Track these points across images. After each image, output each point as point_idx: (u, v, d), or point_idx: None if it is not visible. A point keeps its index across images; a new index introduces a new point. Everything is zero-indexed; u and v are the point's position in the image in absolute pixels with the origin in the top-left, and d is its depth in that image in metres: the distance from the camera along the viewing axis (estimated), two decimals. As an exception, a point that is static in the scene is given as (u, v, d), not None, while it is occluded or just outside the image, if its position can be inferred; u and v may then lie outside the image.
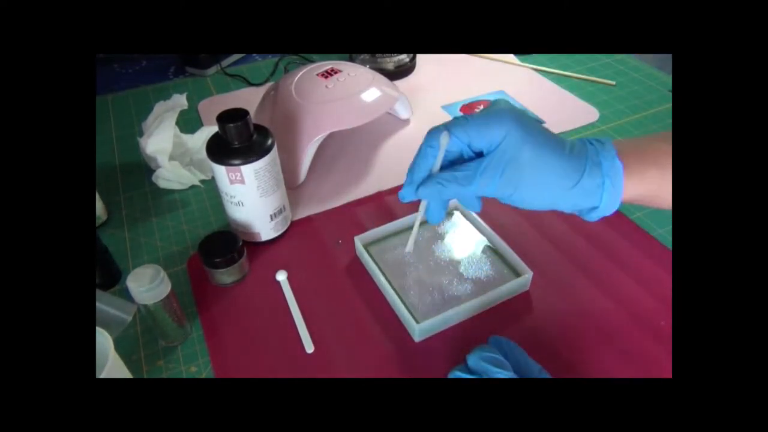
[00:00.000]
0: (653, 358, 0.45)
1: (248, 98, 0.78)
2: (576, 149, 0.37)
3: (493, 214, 0.59)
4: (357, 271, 0.54)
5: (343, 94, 0.63)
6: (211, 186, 0.66)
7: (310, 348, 0.47)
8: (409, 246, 0.44)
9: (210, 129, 0.69)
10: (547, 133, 0.37)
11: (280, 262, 0.55)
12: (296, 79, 0.65)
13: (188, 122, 0.77)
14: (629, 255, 0.54)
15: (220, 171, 0.51)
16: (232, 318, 0.50)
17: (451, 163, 0.39)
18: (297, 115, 0.62)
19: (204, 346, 0.48)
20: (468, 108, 0.77)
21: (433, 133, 0.38)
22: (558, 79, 0.84)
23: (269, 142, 0.51)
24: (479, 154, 0.38)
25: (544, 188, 0.36)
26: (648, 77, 0.83)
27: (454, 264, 0.53)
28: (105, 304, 0.48)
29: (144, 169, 0.69)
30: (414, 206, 0.60)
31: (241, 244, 0.52)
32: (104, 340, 0.37)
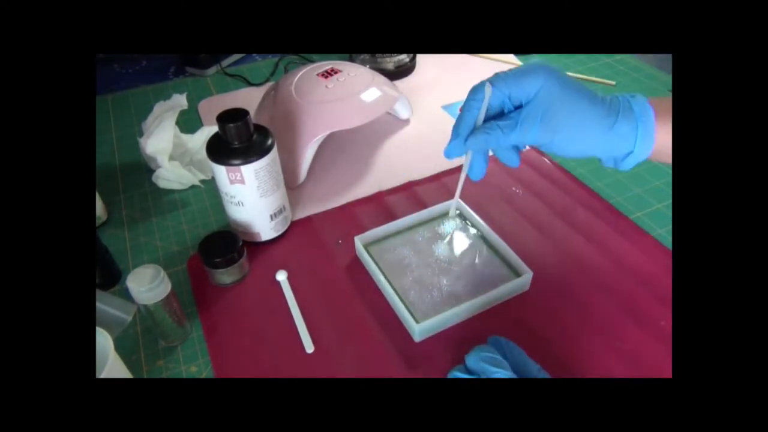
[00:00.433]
0: (653, 358, 0.45)
1: (248, 98, 0.78)
2: (609, 97, 0.40)
3: (493, 214, 0.59)
4: (357, 271, 0.54)
5: (343, 94, 0.63)
6: (211, 186, 0.66)
7: (310, 348, 0.47)
8: (457, 196, 0.49)
9: (210, 129, 0.69)
10: (580, 84, 0.40)
11: (280, 262, 0.55)
12: (296, 79, 0.65)
13: (188, 122, 0.77)
14: (629, 255, 0.54)
15: (220, 171, 0.51)
16: (232, 318, 0.50)
17: (493, 119, 0.41)
18: (297, 115, 0.62)
19: (204, 346, 0.48)
20: (468, 108, 0.77)
21: (477, 87, 0.40)
22: (558, 79, 0.84)
23: (269, 142, 0.51)
24: (518, 108, 0.40)
25: (581, 132, 0.39)
26: (648, 77, 0.83)
27: (454, 264, 0.53)
28: (105, 304, 0.48)
29: (144, 169, 0.69)
30: (406, 205, 0.60)
31: (241, 244, 0.52)
32: (104, 340, 0.37)
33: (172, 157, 0.64)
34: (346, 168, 0.67)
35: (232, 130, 0.49)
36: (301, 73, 0.66)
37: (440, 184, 0.64)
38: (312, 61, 0.72)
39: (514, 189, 0.63)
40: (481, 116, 0.40)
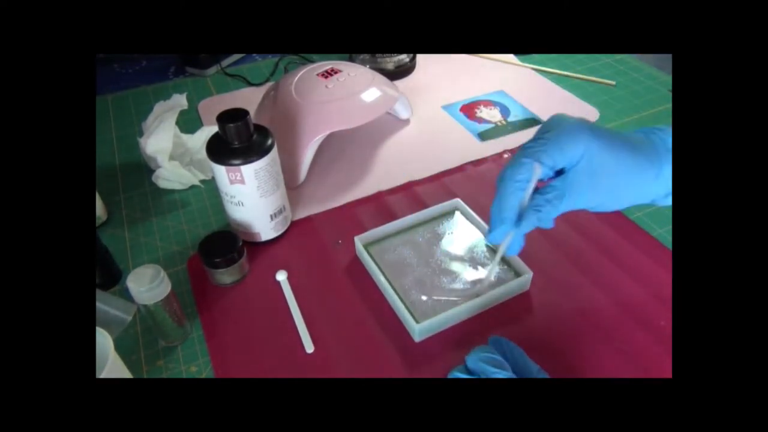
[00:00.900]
0: (653, 358, 0.45)
1: (248, 98, 0.78)
2: (646, 142, 0.38)
3: (493, 214, 0.59)
4: (357, 271, 0.54)
5: (343, 94, 0.63)
6: (211, 186, 0.66)
7: (310, 348, 0.47)
8: (491, 275, 0.49)
9: (210, 129, 0.69)
10: (617, 134, 0.38)
11: (280, 262, 0.55)
12: (296, 79, 0.65)
13: (188, 122, 0.77)
14: (629, 255, 0.54)
15: (220, 171, 0.51)
16: (232, 318, 0.50)
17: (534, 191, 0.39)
18: (297, 115, 0.62)
19: (204, 346, 0.48)
20: (468, 108, 0.77)
21: (519, 167, 0.38)
22: (558, 79, 0.84)
23: (269, 142, 0.51)
24: (559, 173, 0.38)
25: (630, 187, 0.38)
26: (648, 77, 0.83)
27: (454, 264, 0.53)
28: (105, 304, 0.48)
29: (144, 169, 0.69)
30: (406, 205, 0.60)
31: (241, 244, 0.52)
32: (104, 340, 0.37)
33: (172, 157, 0.64)
34: (346, 168, 0.67)
35: (232, 130, 0.49)
36: (301, 73, 0.66)
37: (440, 184, 0.64)
38: (312, 61, 0.72)
39: (514, 189, 0.63)
40: (527, 195, 0.38)
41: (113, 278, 0.54)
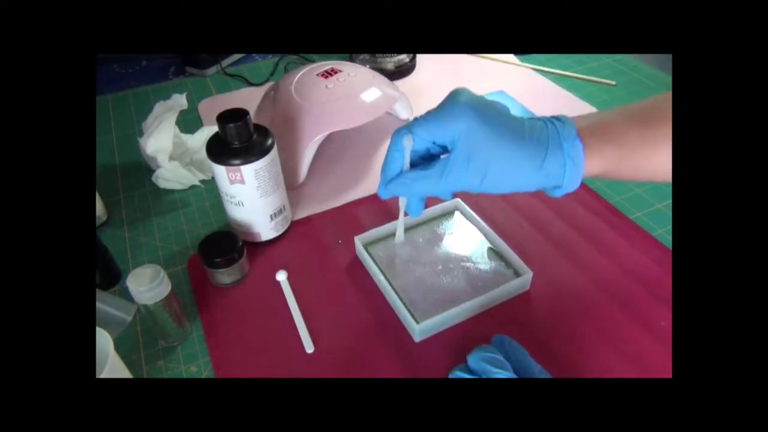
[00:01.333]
0: (653, 358, 0.45)
1: (248, 98, 0.78)
2: (536, 132, 0.38)
3: (494, 214, 0.59)
4: (357, 271, 0.54)
5: (343, 94, 0.63)
6: (211, 186, 0.66)
7: (310, 348, 0.47)
8: (398, 237, 0.50)
9: (210, 129, 0.69)
10: (506, 119, 0.38)
11: (280, 262, 0.55)
12: (296, 79, 0.65)
13: (188, 122, 0.77)
14: (629, 255, 0.54)
15: (220, 171, 0.51)
16: (232, 318, 0.50)
17: (422, 158, 0.41)
18: (297, 115, 0.62)
19: (204, 346, 0.48)
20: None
21: (396, 136, 0.39)
22: (558, 79, 0.84)
23: (269, 142, 0.51)
24: (445, 148, 0.39)
25: (509, 175, 0.37)
26: (648, 77, 0.83)
27: (454, 264, 0.53)
28: (105, 304, 0.48)
29: (144, 169, 0.69)
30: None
31: (241, 244, 0.52)
32: (104, 340, 0.37)
33: (172, 157, 0.64)
34: (346, 168, 0.67)
35: (232, 130, 0.49)
36: (301, 73, 0.66)
37: (440, 184, 0.64)
38: (312, 61, 0.72)
39: (514, 189, 0.63)
40: (406, 163, 0.40)
41: (113, 278, 0.54)
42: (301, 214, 0.61)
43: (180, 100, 0.65)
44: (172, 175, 0.64)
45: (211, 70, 0.89)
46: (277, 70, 0.89)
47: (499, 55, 0.90)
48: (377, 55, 0.84)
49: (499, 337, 0.41)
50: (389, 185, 0.41)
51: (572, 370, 0.44)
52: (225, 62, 0.91)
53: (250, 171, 0.50)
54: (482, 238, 0.55)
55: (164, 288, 0.44)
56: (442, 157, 0.40)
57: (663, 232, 0.57)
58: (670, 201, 0.61)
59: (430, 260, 0.53)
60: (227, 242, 0.52)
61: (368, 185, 0.65)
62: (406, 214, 0.45)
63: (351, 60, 0.85)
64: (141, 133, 0.68)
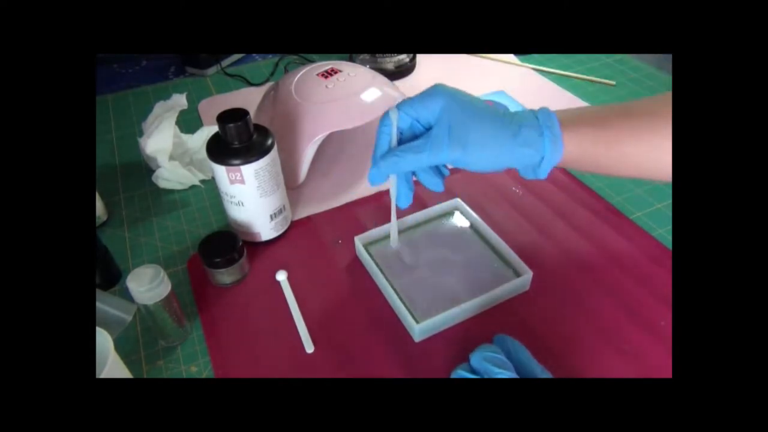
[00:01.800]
0: (653, 358, 0.45)
1: (248, 98, 0.78)
2: (511, 112, 0.42)
3: (493, 214, 0.59)
4: (357, 271, 0.54)
5: (343, 94, 0.63)
6: (211, 186, 0.66)
7: (310, 348, 0.47)
8: (393, 240, 0.52)
9: (210, 129, 0.69)
10: (481, 103, 0.42)
11: (280, 262, 0.55)
12: (296, 79, 0.65)
13: (188, 122, 0.77)
14: (629, 255, 0.54)
15: (220, 171, 0.51)
16: (232, 318, 0.50)
17: (407, 140, 0.43)
18: (297, 115, 0.62)
19: (204, 346, 0.48)
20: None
21: (385, 115, 0.43)
22: (558, 79, 0.84)
23: (269, 142, 0.51)
24: (428, 128, 0.43)
25: (488, 143, 0.40)
26: (648, 77, 0.83)
27: (454, 264, 0.53)
28: (105, 304, 0.48)
29: (144, 169, 0.69)
30: (411, 204, 0.60)
31: (241, 244, 0.52)
32: (104, 340, 0.37)
33: (172, 157, 0.64)
34: (346, 168, 0.67)
35: (232, 130, 0.49)
36: (301, 73, 0.66)
37: (440, 184, 0.64)
38: (312, 61, 0.72)
39: (514, 189, 0.63)
40: (394, 140, 0.43)
41: (113, 278, 0.54)
42: (301, 214, 0.61)
43: (180, 100, 0.65)
44: (172, 175, 0.64)
45: (211, 70, 0.89)
46: (277, 70, 0.89)
47: (499, 55, 0.90)
48: (377, 55, 0.84)
49: (501, 337, 0.41)
50: (380, 163, 0.43)
51: (572, 370, 0.44)
52: (225, 62, 0.91)
53: (250, 171, 0.50)
54: (482, 238, 0.55)
55: (164, 288, 0.44)
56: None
57: (663, 232, 0.57)
58: (670, 201, 0.61)
59: (430, 260, 0.53)
60: (227, 242, 0.52)
61: (368, 185, 0.64)
62: (397, 210, 0.46)
63: (351, 60, 0.85)
64: (141, 133, 0.68)
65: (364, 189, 0.64)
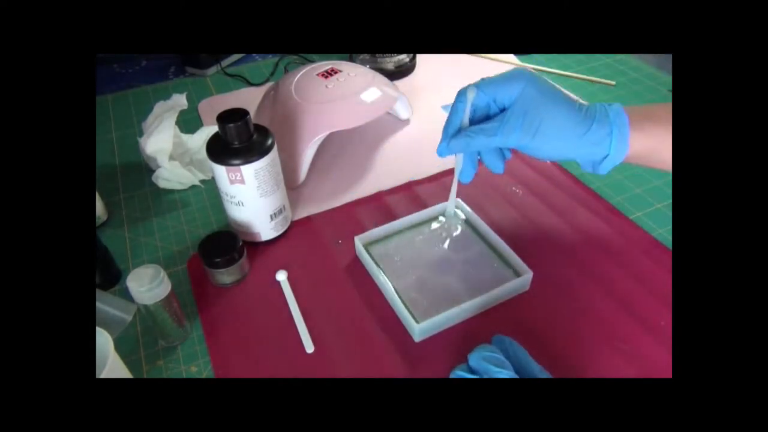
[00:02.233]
0: (653, 358, 0.45)
1: (248, 98, 0.78)
2: (585, 105, 0.42)
3: (493, 214, 0.59)
4: (357, 271, 0.54)
5: (343, 94, 0.63)
6: (211, 186, 0.66)
7: (310, 348, 0.47)
8: (449, 208, 0.55)
9: (210, 129, 0.69)
10: (560, 90, 0.42)
11: (280, 262, 0.55)
12: (296, 79, 0.65)
13: (188, 122, 0.77)
14: (629, 255, 0.54)
15: (220, 171, 0.51)
16: (232, 318, 0.50)
17: (479, 122, 0.44)
18: (297, 115, 0.62)
19: (204, 346, 0.48)
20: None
21: (463, 89, 0.43)
22: (558, 79, 0.84)
23: (269, 142, 0.51)
24: (502, 111, 0.43)
25: (558, 135, 0.41)
26: (648, 77, 0.83)
27: (454, 264, 0.53)
28: (105, 304, 0.48)
29: (144, 169, 0.69)
30: (406, 205, 0.60)
31: (241, 244, 0.52)
32: (104, 340, 0.37)
33: (172, 157, 0.64)
34: (346, 168, 0.67)
35: (232, 130, 0.49)
36: (301, 73, 0.66)
37: (440, 184, 0.64)
38: (312, 61, 0.72)
39: (514, 189, 0.63)
40: (466, 118, 0.43)
41: (113, 278, 0.54)
42: (301, 214, 0.61)
43: (180, 100, 0.65)
44: (172, 175, 0.64)
45: (211, 70, 0.89)
46: (277, 70, 0.89)
47: (499, 55, 0.90)
48: (377, 55, 0.84)
49: (499, 337, 0.41)
50: (451, 141, 0.43)
51: (572, 370, 0.44)
52: (225, 62, 0.91)
53: (250, 171, 0.50)
54: (482, 238, 0.55)
55: (164, 288, 0.44)
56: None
57: (663, 232, 0.57)
58: (670, 201, 0.61)
59: (430, 260, 0.53)
60: (227, 242, 0.52)
61: (368, 185, 0.65)
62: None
63: (351, 60, 0.85)
64: (141, 133, 0.68)
65: (364, 189, 0.64)
